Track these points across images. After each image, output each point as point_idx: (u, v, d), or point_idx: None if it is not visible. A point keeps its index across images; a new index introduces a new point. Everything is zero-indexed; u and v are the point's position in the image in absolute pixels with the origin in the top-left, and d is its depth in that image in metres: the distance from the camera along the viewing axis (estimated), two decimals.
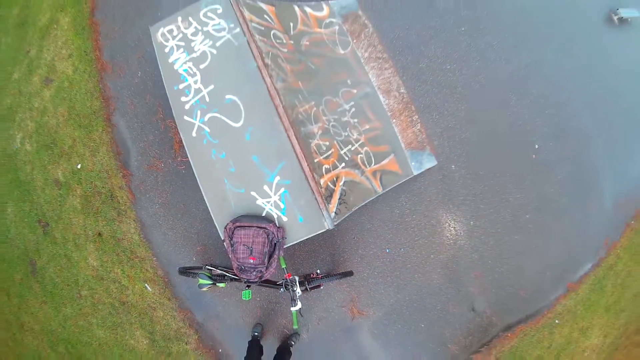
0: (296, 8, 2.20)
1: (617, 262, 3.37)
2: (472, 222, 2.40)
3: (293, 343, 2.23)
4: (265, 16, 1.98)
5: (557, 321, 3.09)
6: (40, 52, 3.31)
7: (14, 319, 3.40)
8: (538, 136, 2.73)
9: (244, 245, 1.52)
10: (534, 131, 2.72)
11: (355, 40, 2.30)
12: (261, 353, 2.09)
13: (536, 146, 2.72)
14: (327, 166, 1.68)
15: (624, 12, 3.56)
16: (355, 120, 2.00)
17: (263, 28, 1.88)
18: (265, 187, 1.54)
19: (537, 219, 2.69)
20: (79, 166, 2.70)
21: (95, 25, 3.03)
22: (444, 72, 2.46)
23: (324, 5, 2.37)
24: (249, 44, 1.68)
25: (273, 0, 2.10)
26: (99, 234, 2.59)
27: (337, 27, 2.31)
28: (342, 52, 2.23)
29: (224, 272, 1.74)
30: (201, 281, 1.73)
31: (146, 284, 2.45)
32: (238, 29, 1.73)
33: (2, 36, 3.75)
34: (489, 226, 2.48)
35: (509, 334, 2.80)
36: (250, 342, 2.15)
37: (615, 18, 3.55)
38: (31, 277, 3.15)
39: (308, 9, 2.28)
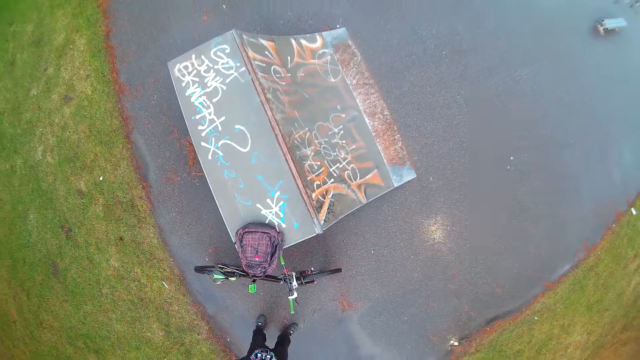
0: (293, 41, 2.76)
1: (598, 263, 3.93)
2: (448, 228, 2.95)
3: (292, 332, 2.81)
4: (266, 52, 2.54)
5: (536, 318, 3.65)
6: (57, 70, 3.91)
7: (32, 318, 4.04)
8: (513, 149, 3.28)
9: (251, 246, 2.09)
10: (509, 144, 3.27)
11: (344, 69, 2.86)
12: (264, 340, 2.66)
13: (511, 158, 3.27)
14: (318, 182, 2.24)
15: (610, 23, 4.11)
16: (343, 141, 2.57)
17: (264, 65, 2.44)
18: (268, 200, 2.11)
19: (512, 224, 3.25)
20: (101, 178, 3.29)
21: (110, 49, 3.61)
22: (424, 95, 3.01)
23: (318, 37, 2.93)
24: (253, 82, 2.24)
25: (272, 36, 2.67)
26: (121, 238, 3.18)
27: (329, 57, 2.87)
28: (333, 80, 2.79)
29: (234, 269, 2.32)
30: (216, 276, 2.30)
31: (163, 282, 3.05)
32: (244, 68, 2.29)
33: (18, 52, 4.37)
34: (464, 231, 3.03)
35: (488, 328, 3.37)
36: (254, 331, 2.73)
37: (601, 29, 4.10)
38: (53, 278, 3.78)
39: (303, 41, 2.84)
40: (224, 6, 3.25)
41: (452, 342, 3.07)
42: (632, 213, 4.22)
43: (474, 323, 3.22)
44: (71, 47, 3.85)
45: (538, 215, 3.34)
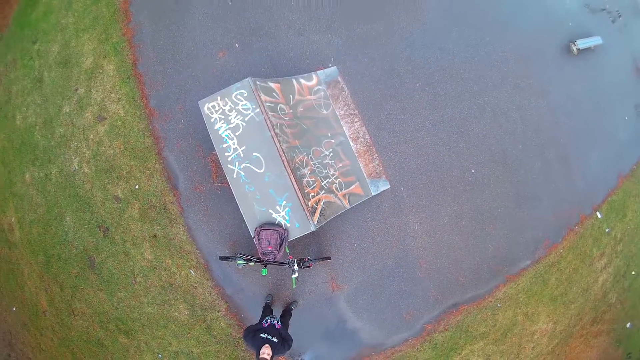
0: (294, 81, 4.36)
1: (560, 260, 5.58)
2: (416, 227, 4.57)
3: (293, 308, 4.47)
4: (274, 93, 4.15)
5: (498, 305, 5.31)
6: (89, 91, 5.53)
7: (64, 307, 5.72)
8: (474, 163, 4.88)
9: (265, 240, 3.69)
10: (471, 160, 4.87)
11: (334, 102, 4.46)
12: (271, 313, 4.30)
13: (472, 171, 4.88)
14: (312, 194, 3.86)
15: (582, 43, 5.73)
16: (332, 161, 4.18)
17: (273, 105, 4.05)
18: (277, 207, 3.71)
19: (472, 225, 4.87)
20: (136, 187, 4.93)
21: (139, 76, 5.22)
22: (398, 121, 4.60)
23: (314, 76, 4.52)
24: (265, 120, 3.84)
25: (278, 78, 4.26)
26: (154, 236, 4.83)
27: (322, 93, 4.47)
28: (325, 112, 4.40)
29: (250, 257, 3.95)
30: (239, 262, 3.92)
31: (191, 270, 4.70)
32: (258, 109, 3.89)
33: (45, 70, 5.99)
34: (430, 230, 4.65)
35: (454, 311, 5.03)
36: (264, 307, 4.37)
37: (574, 49, 5.72)
38: (88, 271, 5.44)
39: (302, 81, 4.44)
40: (236, 45, 4.84)
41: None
42: (597, 217, 5.91)
43: (441, 305, 4.87)
44: (100, 71, 5.47)
45: (496, 218, 4.96)
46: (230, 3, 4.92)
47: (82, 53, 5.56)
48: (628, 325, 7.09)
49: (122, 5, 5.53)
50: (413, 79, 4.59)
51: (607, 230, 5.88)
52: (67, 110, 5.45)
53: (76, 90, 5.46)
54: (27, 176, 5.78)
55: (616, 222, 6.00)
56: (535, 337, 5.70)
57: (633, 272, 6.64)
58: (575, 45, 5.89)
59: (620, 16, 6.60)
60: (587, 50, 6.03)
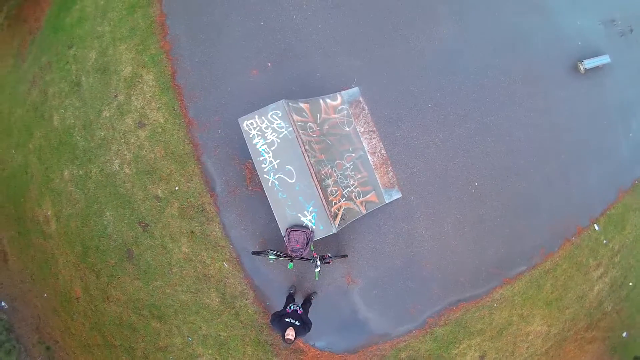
0: (321, 101, 5.79)
1: (556, 267, 7.03)
2: (423, 232, 6.02)
3: (312, 298, 5.97)
4: (303, 113, 5.59)
5: (495, 305, 6.78)
6: (128, 98, 6.99)
7: (99, 294, 7.26)
8: (478, 177, 6.30)
9: (294, 239, 5.15)
10: (475, 174, 6.30)
11: (356, 120, 5.89)
12: (294, 302, 5.80)
13: (475, 184, 6.31)
14: (335, 201, 5.30)
15: (589, 63, 7.13)
16: (352, 173, 5.62)
17: (303, 124, 5.48)
18: (305, 212, 5.16)
19: (474, 232, 6.30)
20: (176, 188, 6.41)
21: (178, 88, 6.67)
22: (411, 138, 6.02)
23: (338, 96, 5.94)
24: (297, 138, 5.28)
25: (307, 99, 5.70)
26: (192, 232, 6.32)
27: (345, 112, 5.90)
28: (347, 129, 5.83)
29: (280, 252, 5.43)
30: (270, 257, 5.39)
31: (224, 262, 6.20)
32: (291, 128, 5.32)
33: (82, 75, 7.44)
34: (436, 234, 6.10)
35: (454, 308, 6.51)
36: (287, 296, 5.86)
37: (581, 68, 7.11)
38: (126, 261, 6.96)
39: (328, 100, 5.87)
40: (269, 64, 6.26)
41: None
42: (594, 228, 7.34)
43: (443, 302, 6.34)
44: (140, 80, 6.92)
45: (496, 226, 6.39)
46: (262, 23, 6.33)
47: (121, 62, 7.00)
48: (624, 334, 8.57)
49: (158, 18, 6.95)
50: (426, 100, 6.00)
51: (604, 241, 7.29)
52: (107, 115, 6.92)
53: (116, 96, 6.92)
54: (65, 173, 7.28)
55: (614, 235, 7.40)
56: (530, 337, 7.16)
57: (630, 283, 8.09)
58: (582, 64, 7.25)
59: (632, 30, 7.95)
60: (594, 69, 7.39)
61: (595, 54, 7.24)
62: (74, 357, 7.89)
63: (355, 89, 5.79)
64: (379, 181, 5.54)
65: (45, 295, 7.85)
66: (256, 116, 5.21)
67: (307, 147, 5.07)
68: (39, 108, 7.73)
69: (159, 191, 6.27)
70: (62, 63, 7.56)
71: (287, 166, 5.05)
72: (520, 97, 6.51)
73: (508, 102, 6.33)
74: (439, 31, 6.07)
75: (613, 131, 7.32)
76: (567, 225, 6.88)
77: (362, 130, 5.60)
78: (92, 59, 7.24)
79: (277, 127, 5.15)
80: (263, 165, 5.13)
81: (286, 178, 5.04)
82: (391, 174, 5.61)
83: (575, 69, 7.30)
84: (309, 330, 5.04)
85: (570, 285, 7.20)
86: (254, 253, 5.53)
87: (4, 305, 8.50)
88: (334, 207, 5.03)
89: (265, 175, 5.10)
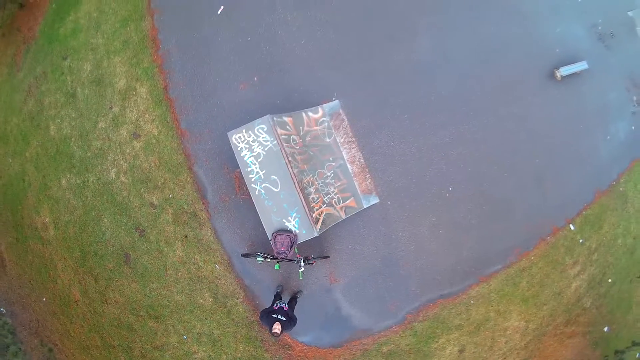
0: (303, 114, 6.90)
1: (531, 266, 8.16)
2: (400, 234, 7.14)
3: (298, 296, 7.12)
4: (287, 127, 6.69)
5: (472, 302, 7.92)
6: (123, 110, 8.11)
7: (97, 297, 8.43)
8: (452, 182, 7.42)
9: (280, 242, 6.28)
10: (448, 179, 7.40)
11: (336, 131, 7.00)
12: (281, 299, 6.94)
13: (450, 189, 7.43)
14: (316, 207, 6.42)
15: (565, 70, 8.23)
16: (333, 180, 6.74)
17: (287, 136, 6.59)
18: (289, 218, 6.28)
19: (448, 233, 7.41)
20: (170, 196, 7.53)
21: (170, 101, 7.78)
22: (388, 147, 7.13)
23: (319, 109, 7.05)
24: (281, 150, 6.40)
25: (291, 112, 6.80)
26: (185, 236, 7.45)
27: (326, 124, 7.01)
28: (328, 140, 6.94)
29: (267, 255, 6.57)
30: (259, 259, 6.50)
31: (216, 265, 7.34)
32: (275, 142, 6.43)
33: (78, 87, 8.56)
34: (412, 236, 7.22)
35: (431, 304, 7.66)
36: (275, 295, 7.00)
37: (558, 75, 8.21)
38: (124, 265, 8.11)
39: (310, 113, 6.97)
40: (255, 79, 7.36)
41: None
42: (570, 228, 8.47)
43: (420, 299, 7.47)
44: (134, 93, 8.02)
45: (470, 228, 7.50)
46: (249, 39, 7.42)
47: (115, 74, 8.09)
48: (605, 329, 9.70)
49: (150, 32, 8.04)
50: (402, 111, 7.08)
51: (580, 241, 8.39)
52: (103, 126, 8.03)
53: (111, 108, 8.02)
54: (63, 181, 8.40)
55: (591, 234, 8.50)
56: (508, 332, 8.30)
57: (610, 280, 9.20)
58: (558, 72, 8.33)
59: (612, 35, 9.04)
60: (571, 75, 8.47)
61: (574, 60, 8.27)
62: (73, 359, 9.05)
63: (336, 102, 6.89)
64: (357, 188, 6.65)
65: (44, 299, 8.98)
66: (244, 130, 6.31)
67: (290, 158, 6.18)
68: (35, 117, 8.83)
69: (154, 199, 7.38)
70: (58, 74, 8.64)
71: (272, 176, 6.16)
72: (495, 105, 7.58)
73: (483, 110, 7.40)
74: (417, 44, 7.13)
75: (590, 135, 8.38)
76: (542, 226, 7.97)
77: (342, 140, 6.70)
78: (87, 71, 8.33)
79: (263, 140, 6.25)
80: (250, 176, 6.24)
81: (272, 187, 6.15)
82: (369, 181, 6.72)
83: (552, 76, 8.37)
84: (294, 325, 6.17)
85: (547, 282, 8.30)
86: (244, 255, 6.65)
87: (2, 310, 9.64)
88: (316, 212, 6.15)
89: (252, 185, 6.21)
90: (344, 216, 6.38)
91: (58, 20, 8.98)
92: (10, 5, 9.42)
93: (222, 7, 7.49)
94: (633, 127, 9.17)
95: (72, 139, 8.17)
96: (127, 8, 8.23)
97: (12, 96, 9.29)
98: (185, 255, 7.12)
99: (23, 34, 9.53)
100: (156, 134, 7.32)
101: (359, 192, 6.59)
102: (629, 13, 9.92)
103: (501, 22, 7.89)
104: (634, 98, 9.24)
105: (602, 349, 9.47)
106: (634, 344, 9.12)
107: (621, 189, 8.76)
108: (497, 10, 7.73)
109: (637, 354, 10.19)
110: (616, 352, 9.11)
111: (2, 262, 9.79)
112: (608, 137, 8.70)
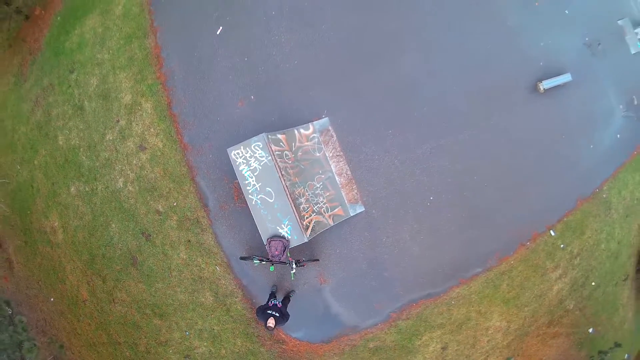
0: (295, 131, 8.98)
1: (512, 269, 10.28)
2: (384, 239, 9.21)
3: (291, 295, 9.24)
4: (281, 143, 8.78)
5: (453, 302, 10.05)
6: (129, 124, 10.27)
7: (105, 296, 10.67)
8: (433, 192, 9.46)
9: (274, 247, 8.41)
10: (430, 190, 9.45)
11: (325, 146, 9.07)
12: (275, 298, 9.08)
13: (431, 198, 9.50)
14: (307, 216, 8.52)
15: (547, 83, 10.30)
16: (322, 191, 8.83)
17: (280, 152, 8.69)
18: (282, 225, 8.37)
19: (430, 239, 9.48)
20: (175, 204, 9.66)
21: (174, 116, 9.90)
22: (373, 161, 9.17)
23: (310, 125, 9.12)
24: (275, 165, 8.51)
25: (284, 130, 8.90)
26: (189, 241, 9.59)
27: (316, 139, 9.09)
28: (318, 155, 9.02)
29: (263, 258, 8.72)
30: (255, 261, 8.59)
31: (216, 266, 9.47)
32: (270, 157, 8.53)
33: (85, 100, 10.72)
34: (395, 242, 9.28)
35: (414, 304, 9.78)
36: (270, 294, 9.10)
37: (541, 88, 10.28)
38: (131, 267, 10.32)
39: (302, 130, 9.06)
40: (252, 97, 9.44)
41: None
42: (550, 234, 10.53)
43: (403, 299, 9.58)
44: (139, 107, 10.15)
45: (450, 235, 9.56)
46: (246, 59, 9.49)
47: (121, 89, 10.20)
48: (590, 330, 11.74)
49: (154, 50, 10.13)
50: (387, 127, 9.11)
51: (561, 245, 10.39)
52: (111, 138, 10.15)
53: (117, 121, 10.14)
54: (72, 189, 10.57)
55: (572, 239, 10.50)
56: (490, 332, 10.38)
57: (593, 283, 11.22)
58: (541, 84, 10.32)
59: (599, 45, 11.00)
60: (556, 87, 10.42)
61: (559, 72, 10.14)
62: (80, 356, 11.32)
63: (325, 119, 8.93)
64: (344, 198, 8.72)
65: (52, 299, 11.19)
66: (242, 147, 8.38)
67: (283, 172, 8.26)
68: (43, 127, 10.97)
69: (160, 206, 9.52)
70: (65, 87, 10.76)
71: (267, 188, 8.24)
72: (477, 118, 9.55)
73: (465, 124, 9.38)
74: (401, 63, 9.10)
75: (572, 145, 10.28)
76: (522, 232, 9.96)
77: (331, 154, 8.76)
78: (93, 85, 10.43)
79: (259, 156, 8.33)
80: (248, 188, 8.33)
81: (267, 198, 8.24)
82: (355, 191, 8.78)
83: (535, 89, 10.35)
84: (286, 321, 8.28)
85: (527, 285, 10.33)
86: (242, 258, 8.76)
87: (9, 310, 11.89)
88: (306, 220, 8.24)
89: (249, 196, 8.31)
90: (332, 223, 8.46)
91: (63, 33, 11.03)
92: (17, 16, 11.48)
93: (221, 27, 9.50)
94: (618, 136, 11.10)
95: (81, 149, 10.28)
96: (130, 25, 10.25)
97: (19, 105, 11.41)
98: (189, 257, 9.25)
99: (29, 45, 11.62)
100: (161, 146, 9.41)
101: (346, 201, 8.66)
102: (619, 22, 11.82)
103: (486, 36, 9.71)
104: (620, 106, 11.15)
105: (588, 350, 11.51)
106: (616, 344, 11.14)
107: (604, 195, 10.69)
108: (483, 24, 9.57)
109: (626, 354, 12.32)
110: (599, 352, 11.10)
111: (9, 265, 12.03)
112: (591, 146, 10.61)
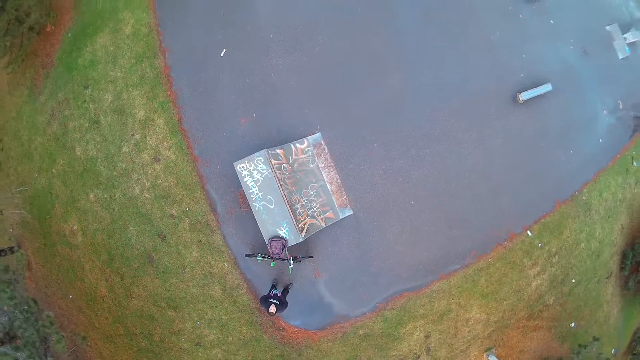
0: (292, 146, 13.44)
1: (489, 266, 14.83)
2: (370, 239, 13.57)
3: (290, 287, 13.83)
4: (279, 157, 13.26)
5: (434, 295, 14.57)
6: (144, 138, 14.82)
7: (123, 292, 15.34)
8: (414, 197, 13.82)
9: (274, 246, 12.98)
10: (411, 195, 13.82)
11: (318, 158, 13.51)
12: (275, 289, 13.65)
13: (412, 202, 13.96)
14: (302, 219, 13.01)
15: (526, 95, 14.86)
16: (315, 198, 13.30)
17: (279, 165, 13.20)
18: (281, 228, 12.84)
19: (411, 238, 13.91)
20: (187, 209, 14.15)
21: (184, 132, 14.41)
22: (360, 170, 13.51)
23: (305, 140, 13.55)
24: (275, 177, 13.05)
25: (282, 145, 13.43)
26: (200, 241, 14.12)
27: (310, 152, 13.55)
28: (311, 166, 13.49)
29: (265, 255, 13.33)
30: (259, 258, 13.06)
31: (225, 263, 13.97)
32: (270, 170, 13.07)
33: (101, 115, 15.27)
34: (379, 240, 13.62)
35: (398, 296, 14.31)
36: (271, 286, 13.57)
37: (520, 99, 14.84)
38: (147, 265, 14.91)
39: (297, 144, 13.52)
40: (253, 114, 13.91)
41: None
42: (527, 234, 15.08)
43: (388, 291, 14.05)
44: (152, 123, 14.69)
45: (430, 234, 13.89)
46: (248, 80, 13.96)
47: (134, 106, 14.69)
48: (572, 324, 16.04)
49: (163, 70, 14.60)
50: (372, 140, 13.46)
51: (539, 245, 14.68)
52: (127, 150, 14.68)
53: (133, 135, 14.65)
54: (91, 196, 15.15)
55: (550, 239, 14.78)
56: (470, 323, 14.81)
57: (573, 280, 15.49)
58: (520, 95, 14.66)
59: (586, 52, 15.26)
60: (536, 97, 14.68)
61: (540, 82, 14.11)
62: (97, 348, 16.01)
63: (318, 134, 13.39)
64: (335, 203, 13.23)
65: (71, 296, 15.77)
66: (246, 161, 12.88)
67: (282, 182, 12.80)
68: (60, 139, 15.45)
69: (174, 211, 14.10)
70: (80, 101, 15.22)
71: (268, 196, 12.77)
72: (456, 130, 13.86)
73: (443, 136, 13.68)
74: (387, 82, 13.23)
75: (551, 151, 14.35)
76: (499, 232, 14.21)
77: (323, 165, 13.25)
78: (108, 101, 14.88)
79: (261, 169, 12.84)
80: (252, 196, 12.87)
81: (268, 204, 12.78)
82: (345, 197, 13.26)
83: (515, 99, 14.66)
84: (285, 308, 12.72)
85: (505, 280, 14.69)
86: (247, 255, 13.32)
87: (36, 307, 16.44)
88: (301, 223, 12.79)
89: (253, 203, 12.84)
90: (324, 225, 12.99)
91: (75, 50, 15.38)
92: (29, 33, 15.87)
93: (225, 50, 13.95)
94: (601, 140, 15.29)
95: (99, 160, 14.77)
96: (140, 45, 14.61)
97: (34, 117, 15.85)
98: (200, 256, 13.80)
99: (41, 60, 15.97)
100: (174, 158, 13.92)
101: (336, 206, 13.18)
102: (607, 27, 15.93)
103: (470, 51, 13.67)
104: (604, 111, 15.28)
105: (570, 344, 15.72)
106: (594, 339, 15.30)
107: (584, 197, 14.87)
108: (468, 39, 13.61)
109: (613, 350, 16.69)
110: (579, 345, 15.25)
111: (28, 265, 16.68)
112: (571, 152, 14.67)
